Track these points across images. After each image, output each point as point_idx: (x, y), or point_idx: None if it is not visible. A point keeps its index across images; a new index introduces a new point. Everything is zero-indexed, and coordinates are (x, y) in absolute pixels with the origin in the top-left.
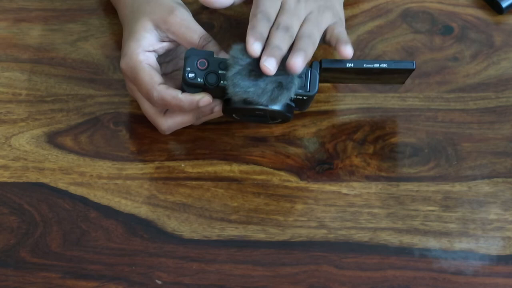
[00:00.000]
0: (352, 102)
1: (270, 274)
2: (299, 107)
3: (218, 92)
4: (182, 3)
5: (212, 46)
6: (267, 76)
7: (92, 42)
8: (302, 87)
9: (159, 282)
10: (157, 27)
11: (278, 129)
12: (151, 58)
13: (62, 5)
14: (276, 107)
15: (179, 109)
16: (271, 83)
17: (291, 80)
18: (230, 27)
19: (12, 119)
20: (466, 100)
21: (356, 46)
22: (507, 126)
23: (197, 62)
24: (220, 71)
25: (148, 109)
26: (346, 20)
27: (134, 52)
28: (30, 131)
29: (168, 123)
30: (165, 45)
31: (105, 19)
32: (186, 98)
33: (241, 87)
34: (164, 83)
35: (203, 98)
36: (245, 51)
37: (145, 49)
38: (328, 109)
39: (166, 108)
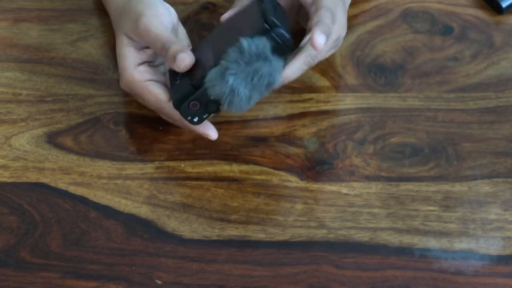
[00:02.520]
0: (352, 102)
1: (270, 274)
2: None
3: None
4: (152, 3)
5: (174, 50)
6: (253, 86)
7: (92, 42)
8: (280, 50)
9: (159, 282)
10: (132, 40)
11: (278, 129)
12: (147, 72)
13: (62, 5)
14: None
15: (187, 128)
16: (260, 87)
17: (273, 70)
18: None
19: (12, 119)
20: (466, 100)
21: (356, 46)
22: (507, 126)
23: (189, 106)
24: (212, 97)
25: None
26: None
27: (127, 72)
28: (30, 131)
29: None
30: (150, 51)
31: (105, 19)
32: (191, 127)
33: (245, 107)
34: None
35: (207, 134)
36: (221, 79)
37: (135, 63)
38: (328, 109)
39: None
